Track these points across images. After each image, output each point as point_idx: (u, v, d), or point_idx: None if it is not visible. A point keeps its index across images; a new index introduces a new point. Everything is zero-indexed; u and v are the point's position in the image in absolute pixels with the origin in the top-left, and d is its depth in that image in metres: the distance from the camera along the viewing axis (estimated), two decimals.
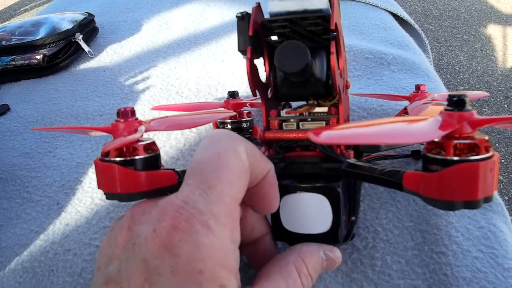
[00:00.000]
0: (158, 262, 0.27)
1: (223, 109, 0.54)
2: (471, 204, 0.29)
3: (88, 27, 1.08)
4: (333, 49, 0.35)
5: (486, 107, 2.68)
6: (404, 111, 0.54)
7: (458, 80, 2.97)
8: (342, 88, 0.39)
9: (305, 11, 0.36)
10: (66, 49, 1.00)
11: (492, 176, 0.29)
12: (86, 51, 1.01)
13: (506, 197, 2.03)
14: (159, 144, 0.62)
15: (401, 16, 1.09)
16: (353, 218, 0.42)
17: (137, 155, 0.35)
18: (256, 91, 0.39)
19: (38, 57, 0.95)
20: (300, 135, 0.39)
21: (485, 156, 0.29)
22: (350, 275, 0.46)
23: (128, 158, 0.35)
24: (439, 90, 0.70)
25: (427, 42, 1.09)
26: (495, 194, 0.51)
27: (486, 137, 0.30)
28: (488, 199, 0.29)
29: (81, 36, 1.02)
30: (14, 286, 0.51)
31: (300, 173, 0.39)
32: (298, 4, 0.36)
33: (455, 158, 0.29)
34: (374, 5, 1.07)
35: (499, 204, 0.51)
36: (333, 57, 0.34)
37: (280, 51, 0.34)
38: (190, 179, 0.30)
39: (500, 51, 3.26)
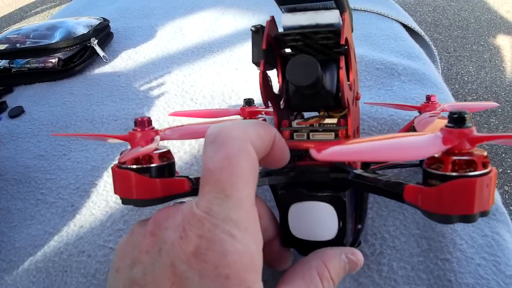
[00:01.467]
0: (186, 267, 0.28)
1: (239, 116, 0.55)
2: (467, 218, 0.29)
3: (103, 32, 1.09)
4: (342, 64, 0.35)
5: (494, 117, 2.68)
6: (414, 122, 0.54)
7: (466, 90, 2.97)
8: (352, 101, 0.40)
9: (317, 25, 0.37)
10: (81, 54, 1.01)
11: (489, 192, 0.30)
12: (101, 56, 1.02)
13: (510, 210, 2.03)
14: (173, 150, 0.63)
15: (412, 27, 1.09)
16: (359, 226, 0.43)
17: (152, 163, 0.36)
18: (268, 102, 0.39)
19: (53, 60, 0.96)
20: (310, 145, 0.40)
21: (482, 172, 0.29)
22: (358, 279, 0.47)
23: (144, 166, 0.36)
24: (447, 100, 0.70)
25: (436, 53, 1.10)
26: (499, 204, 0.53)
27: (485, 153, 0.30)
28: (484, 213, 0.30)
29: (96, 41, 1.03)
30: (27, 285, 0.52)
31: (309, 182, 0.40)
32: (310, 19, 0.37)
33: (453, 173, 0.29)
34: (386, 16, 1.08)
35: (502, 213, 0.52)
36: (342, 72, 0.35)
37: (291, 65, 0.35)
38: (205, 188, 0.30)
39: (509, 62, 3.25)
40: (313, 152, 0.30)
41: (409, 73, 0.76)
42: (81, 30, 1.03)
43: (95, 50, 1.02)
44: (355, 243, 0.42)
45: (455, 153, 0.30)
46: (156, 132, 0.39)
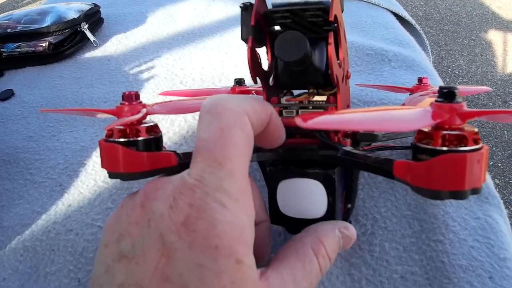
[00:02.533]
0: (175, 237, 0.28)
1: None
2: (458, 194, 0.29)
3: (94, 17, 1.08)
4: (331, 40, 0.35)
5: None
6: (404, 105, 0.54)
7: (457, 84, 2.98)
8: (342, 78, 0.40)
9: (306, 3, 0.36)
10: (71, 38, 1.00)
11: (480, 168, 0.29)
12: (92, 40, 1.01)
13: (502, 201, 2.04)
14: (163, 130, 0.63)
15: (403, 16, 1.10)
16: (349, 205, 0.43)
17: (139, 137, 0.36)
18: (257, 79, 0.39)
19: (43, 44, 0.95)
20: None
21: (473, 148, 0.29)
22: (349, 260, 0.47)
23: (131, 139, 0.36)
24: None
25: (427, 42, 1.10)
26: (491, 188, 0.52)
27: (476, 129, 0.30)
28: (475, 191, 0.29)
29: (86, 25, 1.02)
30: (14, 264, 0.52)
31: (298, 159, 0.40)
32: None
33: (443, 148, 0.29)
34: (377, 5, 1.08)
35: (495, 197, 0.52)
36: (331, 48, 0.35)
37: (279, 41, 0.34)
38: (198, 157, 0.30)
39: (500, 57, 3.27)
40: (299, 121, 0.30)
41: (399, 59, 0.76)
42: (72, 15, 1.03)
43: (86, 35, 1.02)
44: None
45: (445, 128, 0.30)
46: (144, 105, 0.39)
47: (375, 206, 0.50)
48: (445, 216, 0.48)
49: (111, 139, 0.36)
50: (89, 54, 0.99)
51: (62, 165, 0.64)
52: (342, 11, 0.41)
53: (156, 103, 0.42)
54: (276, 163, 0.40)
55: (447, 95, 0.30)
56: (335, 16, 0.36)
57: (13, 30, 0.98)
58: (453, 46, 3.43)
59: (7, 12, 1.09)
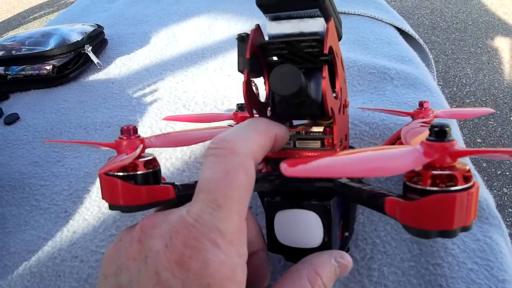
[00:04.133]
0: (170, 275, 0.29)
1: (232, 121, 0.55)
2: (446, 234, 0.29)
3: (97, 39, 1.09)
4: (325, 73, 0.35)
5: (492, 119, 2.68)
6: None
7: (464, 92, 2.97)
8: (339, 109, 0.40)
9: (301, 34, 0.37)
10: (75, 61, 1.01)
11: (470, 206, 0.29)
12: (95, 63, 1.02)
13: (511, 209, 2.03)
14: (165, 156, 0.64)
15: (406, 31, 1.10)
16: (346, 233, 0.43)
17: (137, 171, 0.37)
18: (254, 110, 0.40)
19: (47, 67, 0.96)
20: (296, 153, 0.40)
21: (463, 187, 0.29)
22: (348, 284, 0.47)
23: (130, 174, 0.37)
24: (441, 105, 0.71)
25: (431, 57, 1.10)
26: (492, 208, 0.52)
27: (467, 167, 0.30)
28: (465, 229, 0.29)
29: (90, 47, 1.03)
30: None
31: (295, 190, 0.40)
32: (294, 27, 0.37)
33: (432, 188, 0.29)
34: (380, 20, 1.08)
35: (495, 217, 0.51)
36: (324, 82, 0.35)
37: (274, 75, 0.34)
38: (199, 196, 0.31)
39: (507, 64, 3.25)
40: (283, 167, 0.31)
41: (402, 77, 0.76)
42: (75, 37, 1.03)
43: (89, 57, 1.03)
44: (343, 250, 0.41)
45: (436, 167, 0.30)
46: (141, 140, 0.40)
47: (375, 230, 0.50)
48: (445, 239, 0.48)
49: (111, 173, 0.37)
50: (93, 77, 1.00)
51: (67, 191, 0.65)
52: (340, 39, 0.42)
53: (154, 135, 0.42)
54: (273, 194, 0.40)
55: (438, 134, 0.30)
56: (331, 47, 0.36)
57: (17, 53, 0.99)
58: (460, 55, 3.43)
59: (11, 33, 1.10)
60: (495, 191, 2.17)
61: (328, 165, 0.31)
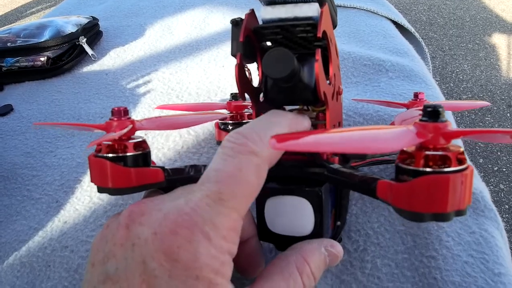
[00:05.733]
0: (157, 265, 0.28)
1: (225, 111, 0.55)
2: (440, 217, 0.28)
3: (92, 31, 1.09)
4: (318, 56, 0.35)
5: (489, 115, 2.68)
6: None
7: (461, 88, 2.97)
8: (332, 95, 0.40)
9: (295, 18, 0.36)
10: (70, 52, 1.01)
11: (464, 189, 0.28)
12: (90, 54, 1.02)
13: (507, 206, 2.03)
14: (157, 146, 0.63)
15: (402, 24, 1.10)
16: (338, 223, 0.43)
17: (127, 152, 0.37)
18: (246, 95, 0.39)
19: (42, 59, 0.96)
20: None
21: (457, 169, 0.28)
22: (340, 276, 0.47)
23: (119, 155, 0.37)
24: (436, 97, 0.70)
25: (426, 50, 1.10)
26: (487, 201, 0.52)
27: (461, 149, 0.29)
28: (460, 213, 0.29)
29: (84, 39, 1.03)
30: (12, 280, 0.52)
31: (286, 176, 0.40)
32: (289, 11, 0.37)
33: (425, 169, 0.28)
34: (375, 13, 1.08)
35: (491, 210, 0.51)
36: (317, 65, 0.34)
37: (267, 58, 0.34)
38: (204, 185, 0.31)
39: (504, 60, 3.26)
40: (272, 142, 0.30)
41: (397, 69, 0.76)
42: (70, 29, 1.03)
43: (84, 49, 1.03)
44: (335, 240, 0.41)
45: (429, 148, 0.29)
46: (132, 121, 0.40)
47: (368, 221, 0.50)
48: (439, 231, 0.47)
49: (100, 155, 0.37)
50: (87, 68, 1.00)
51: (58, 181, 0.65)
52: (335, 27, 0.41)
53: (145, 119, 0.42)
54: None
55: (431, 114, 0.29)
56: (325, 32, 0.36)
57: (12, 44, 0.99)
58: (457, 51, 3.43)
59: (7, 26, 1.10)
60: (491, 187, 2.17)
61: (317, 139, 0.31)
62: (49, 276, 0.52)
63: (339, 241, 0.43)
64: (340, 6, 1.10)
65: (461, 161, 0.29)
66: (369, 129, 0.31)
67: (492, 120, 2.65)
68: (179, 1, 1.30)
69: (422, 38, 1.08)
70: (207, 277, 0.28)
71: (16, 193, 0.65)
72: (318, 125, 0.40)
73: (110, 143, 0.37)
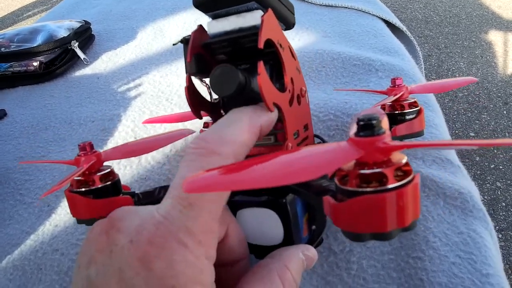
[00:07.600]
0: (133, 273, 0.28)
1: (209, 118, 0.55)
2: (381, 236, 0.27)
3: (84, 35, 1.10)
4: (260, 69, 0.34)
5: (485, 113, 2.68)
6: (382, 107, 0.53)
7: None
8: (290, 101, 0.39)
9: (240, 30, 0.36)
10: (62, 56, 1.02)
11: (405, 206, 0.26)
12: (82, 58, 1.03)
13: (504, 203, 2.03)
14: None
15: (393, 23, 1.10)
16: (314, 227, 0.42)
17: (95, 185, 0.40)
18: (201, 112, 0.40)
19: (35, 64, 0.97)
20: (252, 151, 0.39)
21: (394, 186, 0.26)
22: (326, 277, 0.47)
23: (89, 189, 0.39)
24: (427, 96, 0.71)
25: (418, 48, 1.10)
26: (476, 201, 0.51)
27: (404, 160, 0.27)
28: (406, 229, 0.27)
29: (77, 43, 1.04)
30: (5, 283, 0.53)
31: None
32: (232, 24, 0.36)
33: (359, 189, 0.27)
34: (366, 12, 1.08)
35: (480, 210, 0.51)
36: (259, 78, 0.33)
37: (212, 77, 0.34)
38: (171, 193, 0.31)
39: (500, 57, 3.25)
40: (185, 184, 0.26)
41: (387, 68, 0.76)
42: (62, 33, 1.04)
43: (76, 53, 1.03)
44: (313, 244, 0.41)
45: (367, 164, 0.27)
46: (97, 155, 0.42)
47: None
48: (426, 232, 0.47)
49: (73, 189, 0.40)
50: (79, 72, 1.01)
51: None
52: (292, 26, 0.42)
53: (112, 148, 0.46)
54: (233, 193, 0.40)
55: (364, 127, 0.27)
56: (271, 40, 0.35)
57: (6, 50, 1.00)
58: (453, 49, 3.43)
59: (1, 31, 1.11)
60: (488, 185, 2.17)
61: (237, 177, 0.27)
62: (40, 279, 0.52)
63: (320, 242, 0.43)
64: (331, 6, 1.11)
65: (405, 173, 0.27)
66: (298, 154, 0.28)
67: (488, 118, 2.64)
68: (171, 3, 1.30)
69: (418, 36, 1.08)
70: (184, 286, 0.28)
71: (9, 198, 0.66)
72: (277, 133, 0.40)
73: (80, 178, 0.40)
